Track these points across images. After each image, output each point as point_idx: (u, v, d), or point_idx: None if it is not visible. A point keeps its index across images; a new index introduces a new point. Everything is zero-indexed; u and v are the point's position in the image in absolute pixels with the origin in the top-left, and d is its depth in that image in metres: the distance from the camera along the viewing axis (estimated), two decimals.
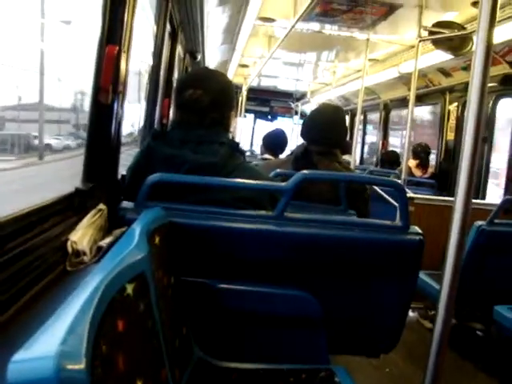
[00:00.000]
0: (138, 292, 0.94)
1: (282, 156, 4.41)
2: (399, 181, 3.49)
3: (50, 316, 0.67)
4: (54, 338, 0.59)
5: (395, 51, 5.30)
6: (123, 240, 1.17)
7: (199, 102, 1.76)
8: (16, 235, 1.09)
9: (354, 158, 4.72)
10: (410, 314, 3.67)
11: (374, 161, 7.38)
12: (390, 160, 5.95)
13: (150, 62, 3.04)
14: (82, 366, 0.58)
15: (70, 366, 0.56)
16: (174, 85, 3.57)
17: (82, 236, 1.31)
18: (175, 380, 1.23)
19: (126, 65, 1.68)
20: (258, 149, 9.01)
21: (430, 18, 3.78)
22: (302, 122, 2.78)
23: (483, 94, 1.21)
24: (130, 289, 0.90)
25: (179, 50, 3.84)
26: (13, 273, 1.02)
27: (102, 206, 1.52)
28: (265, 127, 9.99)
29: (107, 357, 0.70)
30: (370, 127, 8.44)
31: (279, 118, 10.75)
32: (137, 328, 0.92)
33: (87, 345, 0.62)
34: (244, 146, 9.82)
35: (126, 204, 1.63)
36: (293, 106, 10.57)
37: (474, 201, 1.30)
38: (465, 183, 1.24)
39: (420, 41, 3.83)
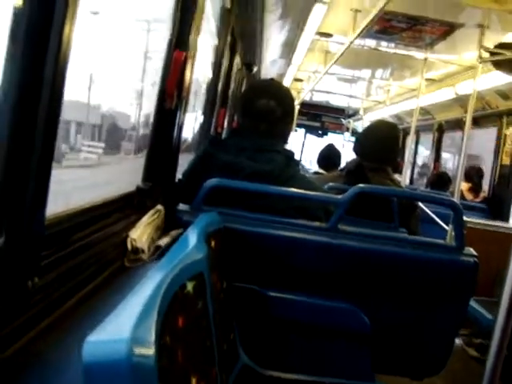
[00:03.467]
0: (197, 290, 0.96)
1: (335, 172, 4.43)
2: None
3: (111, 307, 0.70)
4: (126, 323, 0.62)
5: (452, 72, 5.21)
6: (182, 241, 1.20)
7: (273, 111, 1.82)
8: (81, 228, 1.14)
9: (404, 178, 4.66)
10: (455, 340, 3.56)
11: (425, 182, 7.24)
12: (440, 182, 5.82)
13: (208, 71, 3.10)
14: (151, 352, 0.60)
15: (141, 351, 0.58)
16: (230, 95, 3.63)
17: (140, 234, 1.35)
18: (222, 382, 1.25)
19: (191, 72, 1.73)
20: (307, 164, 9.00)
21: (492, 39, 3.70)
22: (353, 138, 2.79)
23: None
24: (190, 286, 0.92)
25: (237, 61, 3.90)
26: (77, 263, 1.07)
27: (159, 206, 1.56)
28: (315, 142, 9.97)
29: (171, 348, 0.73)
30: (421, 148, 8.30)
31: (330, 134, 10.69)
32: (194, 325, 0.94)
33: (155, 333, 0.64)
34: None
35: (182, 206, 1.67)
36: (344, 122, 10.51)
37: None
38: None
39: (480, 62, 3.76)
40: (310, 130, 10.71)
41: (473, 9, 3.22)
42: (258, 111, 1.84)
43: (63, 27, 0.81)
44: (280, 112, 1.83)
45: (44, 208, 0.87)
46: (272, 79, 2.23)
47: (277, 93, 1.89)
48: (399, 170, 5.01)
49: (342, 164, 4.63)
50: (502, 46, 3.66)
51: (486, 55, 3.78)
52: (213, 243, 1.33)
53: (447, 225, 2.71)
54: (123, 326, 0.62)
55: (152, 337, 0.63)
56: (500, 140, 5.15)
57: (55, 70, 0.82)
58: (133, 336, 0.59)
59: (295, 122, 8.24)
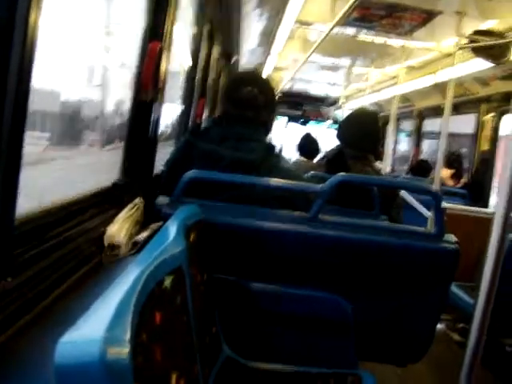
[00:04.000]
0: (175, 285, 0.95)
1: (316, 159, 4.45)
2: None
3: (91, 303, 0.68)
4: (100, 322, 0.61)
5: (432, 59, 5.23)
6: (160, 234, 1.18)
7: (256, 98, 1.84)
8: (56, 225, 1.12)
9: (385, 166, 4.68)
10: (438, 325, 3.59)
11: (406, 169, 7.29)
12: (421, 169, 5.87)
13: (186, 61, 3.07)
14: (126, 351, 0.59)
15: (114, 351, 0.57)
16: (209, 85, 3.60)
17: (118, 229, 1.33)
18: (205, 376, 1.24)
19: (167, 62, 1.70)
20: (289, 153, 8.99)
21: (470, 26, 3.72)
22: (334, 126, 2.80)
23: None
24: (168, 281, 0.91)
25: (215, 51, 3.87)
26: (52, 261, 1.04)
27: (138, 200, 1.54)
28: (296, 131, 9.97)
29: (147, 346, 0.71)
30: (402, 135, 8.34)
31: (312, 122, 10.72)
32: (173, 321, 0.93)
33: (131, 332, 0.63)
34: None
35: (162, 199, 1.65)
36: (325, 110, 10.53)
37: None
38: (504, 194, 1.22)
39: (459, 48, 3.77)
40: (291, 118, 10.74)
41: None
42: (243, 98, 1.85)
43: (28, 15, 0.78)
44: (263, 99, 1.85)
45: (13, 207, 0.84)
46: (255, 70, 2.26)
47: (259, 81, 1.92)
48: (380, 158, 5.04)
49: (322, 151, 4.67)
50: (479, 32, 3.68)
51: (464, 42, 3.80)
52: (192, 236, 1.32)
53: (430, 211, 2.73)
54: (97, 326, 0.61)
55: (127, 335, 0.62)
56: (479, 126, 5.19)
57: (21, 65, 0.79)
58: (106, 336, 0.58)
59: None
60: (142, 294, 0.76)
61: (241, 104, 1.85)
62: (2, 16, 0.76)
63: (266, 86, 1.92)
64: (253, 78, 1.99)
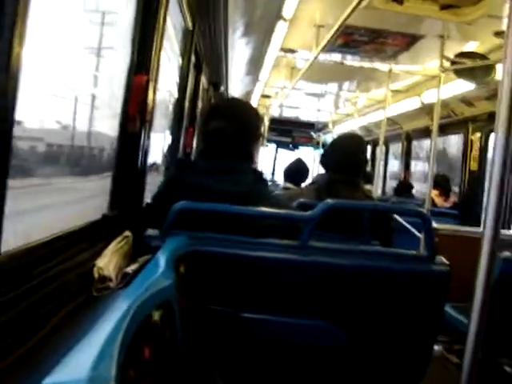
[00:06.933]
0: (164, 319, 0.94)
1: (304, 185, 4.44)
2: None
3: (78, 340, 0.67)
4: (84, 362, 0.60)
5: (417, 81, 5.31)
6: (149, 267, 1.17)
7: (223, 132, 1.79)
8: (44, 260, 1.11)
9: (376, 189, 4.70)
10: (435, 347, 3.56)
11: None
12: (404, 188, 6.10)
13: (174, 92, 3.09)
14: None
15: None
16: (198, 115, 3.62)
17: (108, 262, 1.32)
18: None
19: (154, 94, 1.71)
20: (279, 179, 9.02)
21: (452, 49, 3.79)
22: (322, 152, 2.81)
23: (511, 123, 1.20)
24: (156, 316, 0.90)
25: (203, 80, 3.90)
26: (40, 297, 1.03)
27: (127, 232, 1.53)
28: (286, 157, 10.02)
29: (135, 383, 0.70)
30: (391, 158, 8.41)
31: (301, 148, 10.80)
32: (163, 356, 0.92)
33: (116, 370, 0.62)
34: (266, 175, 9.85)
35: (151, 232, 1.64)
36: (314, 136, 10.62)
37: (502, 231, 1.28)
38: (493, 214, 1.22)
39: (443, 71, 3.83)
40: (280, 144, 10.82)
41: (432, 20, 3.29)
42: (209, 132, 1.82)
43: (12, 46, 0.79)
44: (232, 131, 1.78)
45: None
46: (233, 98, 2.23)
47: (228, 113, 1.84)
48: (370, 181, 5.07)
49: (310, 178, 4.67)
50: (462, 55, 3.75)
51: (447, 64, 3.87)
52: (182, 268, 1.31)
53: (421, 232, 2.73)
54: (82, 364, 0.60)
55: (112, 374, 0.61)
56: (467, 146, 5.24)
57: (5, 84, 0.79)
58: (91, 375, 0.57)
59: (265, 137, 8.28)
60: (129, 329, 0.75)
61: (208, 138, 1.84)
62: None
63: (236, 116, 1.83)
64: (221, 109, 1.91)
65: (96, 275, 1.28)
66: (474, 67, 3.75)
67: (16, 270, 0.96)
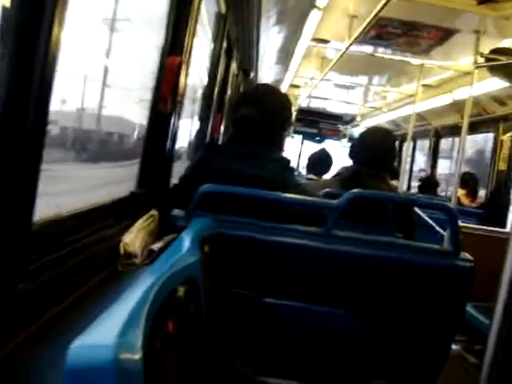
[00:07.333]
0: (188, 296, 0.95)
1: (326, 177, 4.41)
2: None
3: (101, 311, 0.69)
4: (113, 328, 0.61)
5: (449, 77, 5.22)
6: (174, 245, 1.19)
7: (251, 120, 1.80)
8: (73, 231, 1.13)
9: (401, 184, 4.65)
10: (453, 346, 3.52)
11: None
12: (430, 185, 6.02)
13: (204, 77, 3.10)
14: (138, 358, 0.59)
15: (127, 356, 0.57)
16: (227, 101, 3.63)
17: (134, 238, 1.34)
18: None
19: (186, 76, 1.72)
20: (304, 170, 9.00)
21: (487, 44, 3.71)
22: (350, 144, 2.79)
23: None
24: (181, 291, 0.91)
25: (233, 67, 3.90)
26: (70, 267, 1.05)
27: (154, 211, 1.55)
28: (312, 149, 9.98)
29: (159, 354, 0.71)
30: (419, 154, 8.31)
31: (327, 141, 10.69)
32: (186, 331, 0.93)
33: (143, 339, 0.63)
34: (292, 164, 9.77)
35: (177, 212, 1.66)
36: (341, 128, 10.52)
37: None
38: None
39: (476, 67, 3.76)
40: (307, 136, 10.71)
41: (469, 14, 3.22)
42: (239, 119, 1.84)
43: (52, 28, 0.80)
44: (260, 119, 1.80)
45: (31, 211, 0.85)
46: (263, 85, 2.21)
47: (258, 100, 1.86)
48: (397, 177, 5.02)
49: (333, 169, 4.63)
50: (497, 51, 3.67)
51: (482, 61, 3.79)
52: (206, 248, 1.32)
53: (444, 230, 2.70)
54: (110, 331, 0.61)
55: (139, 342, 0.62)
56: (496, 146, 5.15)
57: (43, 72, 0.81)
58: (119, 341, 0.58)
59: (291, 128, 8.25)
60: (155, 301, 0.76)
61: (237, 124, 1.86)
62: (25, 32, 0.78)
63: (266, 104, 1.84)
64: (252, 96, 1.94)
65: (122, 251, 1.30)
66: (509, 64, 3.66)
67: (47, 238, 0.99)
